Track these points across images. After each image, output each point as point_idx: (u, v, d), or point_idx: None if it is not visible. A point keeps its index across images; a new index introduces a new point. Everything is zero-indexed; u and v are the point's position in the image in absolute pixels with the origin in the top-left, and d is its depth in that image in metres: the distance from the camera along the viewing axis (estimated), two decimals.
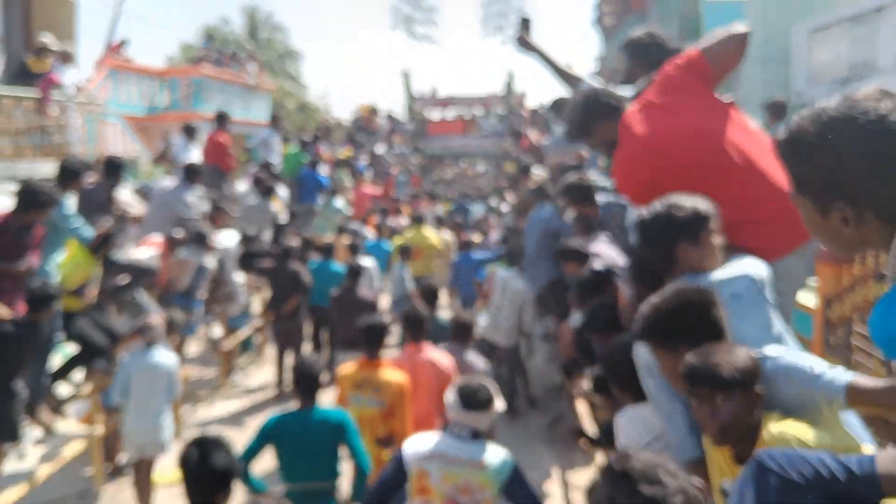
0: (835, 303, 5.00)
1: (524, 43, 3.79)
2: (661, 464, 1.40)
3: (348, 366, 4.38)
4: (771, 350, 1.88)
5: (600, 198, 4.73)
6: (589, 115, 2.86)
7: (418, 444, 3.13)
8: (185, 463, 2.62)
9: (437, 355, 4.46)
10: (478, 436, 3.10)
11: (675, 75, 2.71)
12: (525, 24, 3.84)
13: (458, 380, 3.30)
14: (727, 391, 1.75)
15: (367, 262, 8.29)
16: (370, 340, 4.30)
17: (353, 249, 8.46)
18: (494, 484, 3.01)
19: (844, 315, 4.98)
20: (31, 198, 4.55)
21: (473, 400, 3.07)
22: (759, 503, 1.29)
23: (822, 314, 5.11)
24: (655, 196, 2.35)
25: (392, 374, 4.23)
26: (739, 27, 2.71)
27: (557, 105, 7.18)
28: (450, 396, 3.14)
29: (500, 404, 3.22)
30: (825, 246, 1.38)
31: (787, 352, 1.88)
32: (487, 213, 12.93)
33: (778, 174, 2.41)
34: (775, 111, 6.80)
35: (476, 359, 4.80)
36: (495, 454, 3.08)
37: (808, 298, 4.64)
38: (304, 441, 3.69)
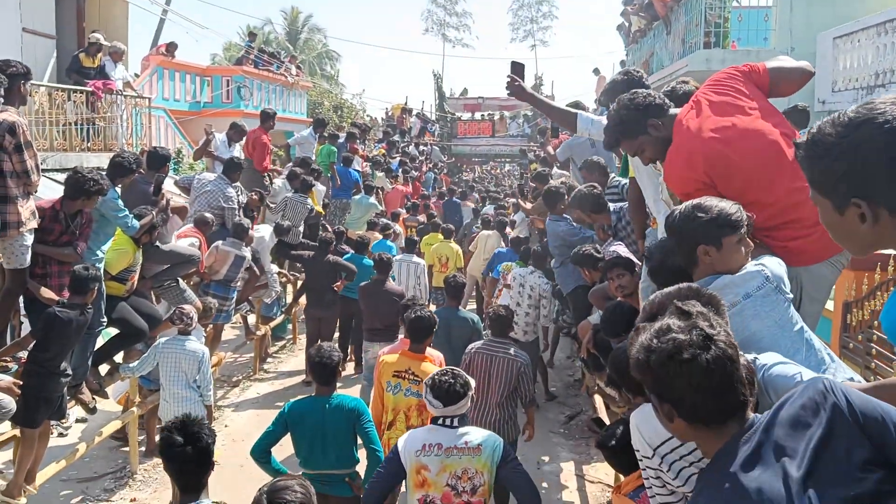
0: (854, 308, 5.02)
1: (516, 90, 3.66)
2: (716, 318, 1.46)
3: (390, 355, 4.45)
4: (763, 358, 1.89)
5: (612, 204, 4.80)
6: (639, 114, 2.75)
7: (413, 439, 3.27)
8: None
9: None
10: (463, 420, 3.30)
11: (738, 76, 2.73)
12: (516, 68, 3.69)
13: (428, 378, 3.38)
14: None
15: (416, 259, 8.54)
16: (416, 333, 4.36)
17: (410, 245, 8.82)
18: (491, 467, 3.18)
19: (864, 320, 4.99)
20: (79, 185, 4.60)
21: (447, 396, 3.24)
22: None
23: (840, 319, 5.13)
24: (709, 194, 2.35)
25: (432, 367, 4.22)
26: (809, 66, 2.82)
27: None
28: (428, 396, 3.28)
29: (472, 382, 3.36)
30: (841, 244, 1.43)
31: (776, 360, 1.88)
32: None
33: None
34: (797, 118, 6.26)
35: (517, 353, 4.79)
36: (486, 437, 3.25)
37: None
38: (320, 427, 3.75)
